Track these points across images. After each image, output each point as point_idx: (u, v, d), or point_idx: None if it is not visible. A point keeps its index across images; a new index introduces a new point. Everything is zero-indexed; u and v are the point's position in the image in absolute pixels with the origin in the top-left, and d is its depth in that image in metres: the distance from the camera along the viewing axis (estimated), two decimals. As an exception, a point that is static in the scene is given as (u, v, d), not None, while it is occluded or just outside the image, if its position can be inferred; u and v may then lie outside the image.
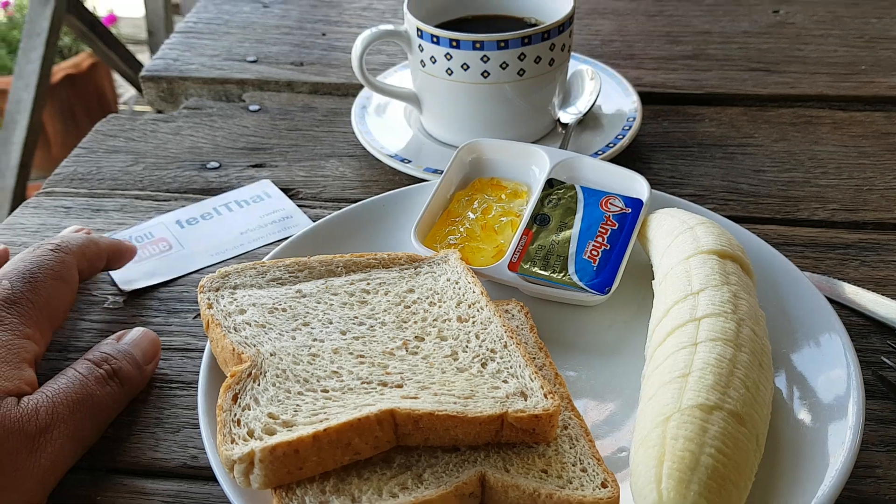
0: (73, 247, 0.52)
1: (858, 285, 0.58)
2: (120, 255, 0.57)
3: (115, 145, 0.76)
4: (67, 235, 0.53)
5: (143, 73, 0.87)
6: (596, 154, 0.70)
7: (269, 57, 0.89)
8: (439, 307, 0.50)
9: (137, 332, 0.51)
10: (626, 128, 0.73)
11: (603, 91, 0.77)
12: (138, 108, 2.84)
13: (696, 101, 0.81)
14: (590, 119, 0.75)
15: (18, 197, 2.04)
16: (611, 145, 0.71)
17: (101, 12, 2.54)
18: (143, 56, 2.72)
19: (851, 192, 0.68)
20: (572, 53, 0.83)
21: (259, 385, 0.43)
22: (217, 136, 0.78)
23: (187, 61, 0.88)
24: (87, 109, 2.43)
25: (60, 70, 2.25)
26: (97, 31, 2.17)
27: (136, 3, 3.39)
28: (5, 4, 2.26)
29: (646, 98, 0.80)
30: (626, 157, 0.72)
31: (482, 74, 0.68)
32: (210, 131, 0.78)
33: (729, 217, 0.66)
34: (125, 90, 2.88)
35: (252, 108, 0.82)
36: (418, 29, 0.69)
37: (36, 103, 2.01)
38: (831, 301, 0.56)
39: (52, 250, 0.51)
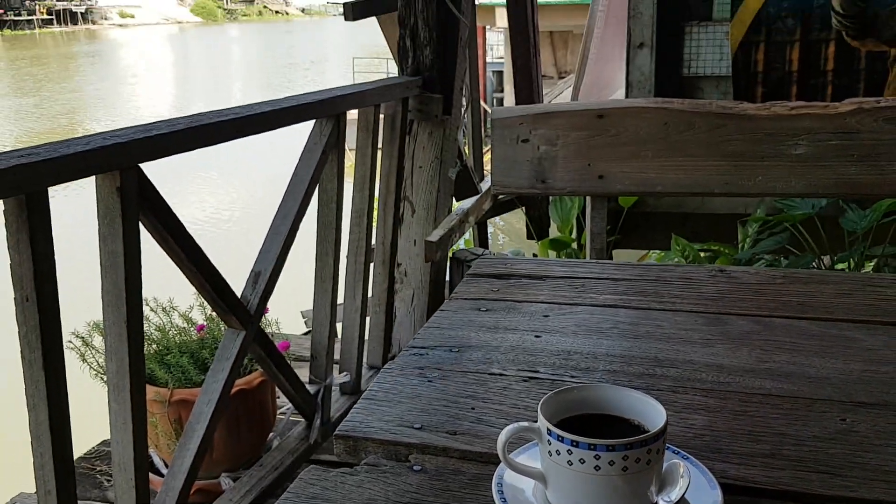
0: None
1: None
2: None
3: (313, 492, 1.01)
4: None
5: (337, 432, 1.14)
6: (685, 536, 0.89)
7: (431, 425, 1.15)
8: None
9: None
10: (711, 516, 0.92)
11: (694, 482, 0.97)
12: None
13: (771, 495, 0.99)
14: (682, 504, 0.95)
15: (183, 496, 2.32)
16: (697, 530, 0.90)
17: (277, 323, 2.96)
18: (301, 371, 3.11)
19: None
20: (671, 445, 1.05)
21: None
22: (389, 490, 1.02)
23: (369, 424, 1.16)
24: (250, 419, 2.78)
25: (236, 386, 2.63)
26: (273, 356, 2.57)
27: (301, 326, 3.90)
28: (201, 328, 2.72)
29: (729, 489, 0.99)
30: (711, 542, 0.90)
31: (594, 468, 0.90)
32: (383, 486, 1.03)
33: None
34: (283, 402, 3.25)
35: (415, 468, 1.06)
36: (548, 429, 0.93)
37: (213, 416, 2.35)
38: None
39: None
